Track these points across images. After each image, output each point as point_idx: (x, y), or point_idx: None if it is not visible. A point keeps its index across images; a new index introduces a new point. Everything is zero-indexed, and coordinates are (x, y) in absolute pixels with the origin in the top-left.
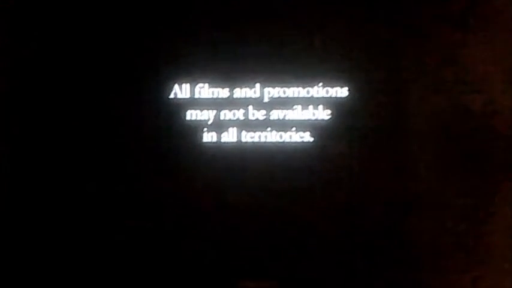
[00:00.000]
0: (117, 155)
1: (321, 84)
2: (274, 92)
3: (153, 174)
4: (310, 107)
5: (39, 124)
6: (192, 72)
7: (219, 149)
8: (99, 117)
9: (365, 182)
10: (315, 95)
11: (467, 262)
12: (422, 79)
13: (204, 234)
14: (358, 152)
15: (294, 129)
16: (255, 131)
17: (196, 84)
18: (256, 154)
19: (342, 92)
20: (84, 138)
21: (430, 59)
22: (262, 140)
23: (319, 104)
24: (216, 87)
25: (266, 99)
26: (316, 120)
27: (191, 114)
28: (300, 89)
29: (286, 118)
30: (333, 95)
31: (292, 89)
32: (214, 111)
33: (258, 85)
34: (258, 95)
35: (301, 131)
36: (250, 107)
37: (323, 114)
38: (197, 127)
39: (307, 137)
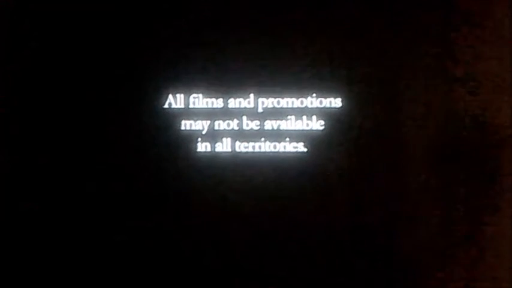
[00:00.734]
0: (111, 166)
1: (314, 94)
2: (268, 102)
3: (147, 184)
4: (304, 117)
5: (30, 136)
6: (187, 83)
7: (213, 159)
8: (93, 127)
9: (360, 192)
10: (309, 106)
11: (467, 266)
12: (416, 89)
13: (197, 244)
14: (352, 162)
15: (287, 139)
16: (249, 141)
17: (191, 95)
18: (250, 164)
19: (336, 102)
20: (77, 148)
21: (424, 69)
22: (256, 150)
23: (312, 115)
24: (210, 97)
25: (260, 110)
26: (310, 130)
27: (185, 124)
28: (294, 99)
29: (280, 128)
30: (327, 106)
31: (286, 99)
32: (209, 122)
33: (252, 95)
34: (252, 105)
35: (295, 141)
36: (244, 117)
37: (317, 124)
38: (191, 137)
39: (301, 147)
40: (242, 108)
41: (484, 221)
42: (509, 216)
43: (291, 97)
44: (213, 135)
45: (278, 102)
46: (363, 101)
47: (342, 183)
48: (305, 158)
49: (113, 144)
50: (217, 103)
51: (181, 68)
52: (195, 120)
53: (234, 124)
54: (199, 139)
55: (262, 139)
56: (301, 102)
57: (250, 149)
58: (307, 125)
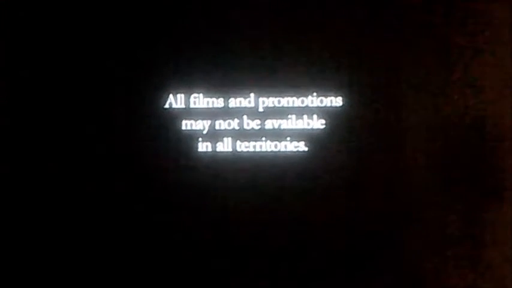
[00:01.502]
0: (111, 166)
1: (315, 93)
2: (268, 101)
3: (148, 184)
4: (305, 116)
5: (30, 136)
6: (187, 82)
7: (214, 158)
8: (93, 127)
9: (361, 192)
10: (310, 105)
11: (467, 266)
12: (418, 88)
13: (198, 244)
14: (353, 161)
15: (288, 138)
16: (249, 141)
17: (191, 94)
18: (251, 163)
19: (337, 101)
20: (77, 148)
21: (427, 67)
22: (257, 149)
23: (313, 114)
24: (211, 97)
25: (261, 109)
26: (310, 129)
27: (186, 124)
28: (295, 98)
29: (281, 128)
30: (328, 105)
31: (286, 98)
32: (209, 121)
33: (252, 95)
34: (252, 104)
35: (296, 140)
36: (245, 117)
37: (317, 123)
38: (192, 137)
39: (302, 146)
40: (243, 108)
41: (485, 221)
42: (511, 216)
43: (292, 96)
44: (214, 135)
45: (279, 102)
46: (364, 100)
47: (343, 183)
48: (306, 157)
49: (113, 144)
50: (218, 103)
51: (182, 68)
52: (196, 120)
53: (234, 124)
54: (200, 139)
55: (263, 138)
56: (302, 102)
57: (251, 149)
58: (308, 124)
